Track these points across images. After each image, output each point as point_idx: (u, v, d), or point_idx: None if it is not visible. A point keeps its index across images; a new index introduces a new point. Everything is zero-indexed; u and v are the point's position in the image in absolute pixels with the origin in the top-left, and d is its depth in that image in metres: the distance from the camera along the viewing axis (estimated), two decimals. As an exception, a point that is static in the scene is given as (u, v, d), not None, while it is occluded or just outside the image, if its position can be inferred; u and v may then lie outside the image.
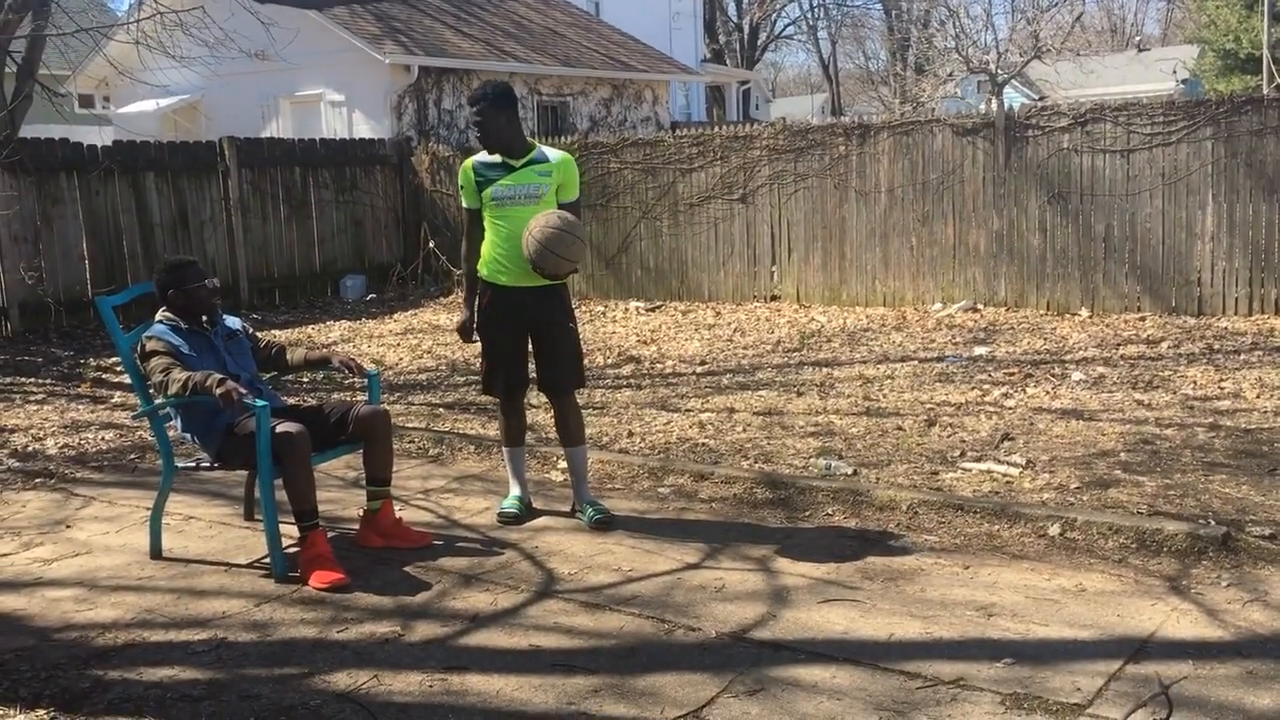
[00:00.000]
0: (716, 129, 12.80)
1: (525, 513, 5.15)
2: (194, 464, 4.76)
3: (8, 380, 9.23)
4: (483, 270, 5.03)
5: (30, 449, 6.84)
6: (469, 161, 5.00)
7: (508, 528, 5.07)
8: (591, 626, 3.94)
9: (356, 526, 4.93)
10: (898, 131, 11.17)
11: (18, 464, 6.47)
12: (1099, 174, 10.09)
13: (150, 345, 4.59)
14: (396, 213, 15.08)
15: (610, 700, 3.37)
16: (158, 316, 4.74)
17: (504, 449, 5.29)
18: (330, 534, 4.93)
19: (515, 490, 5.22)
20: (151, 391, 4.63)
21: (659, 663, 3.62)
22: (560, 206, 4.96)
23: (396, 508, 5.30)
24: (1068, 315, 10.23)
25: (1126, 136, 9.91)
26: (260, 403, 4.41)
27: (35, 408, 8.10)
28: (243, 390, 4.38)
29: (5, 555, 4.86)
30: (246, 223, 13.48)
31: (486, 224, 4.97)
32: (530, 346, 5.10)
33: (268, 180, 13.81)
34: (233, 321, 4.94)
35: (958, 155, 10.82)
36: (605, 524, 5.02)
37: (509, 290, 4.96)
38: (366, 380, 5.08)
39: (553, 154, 5.00)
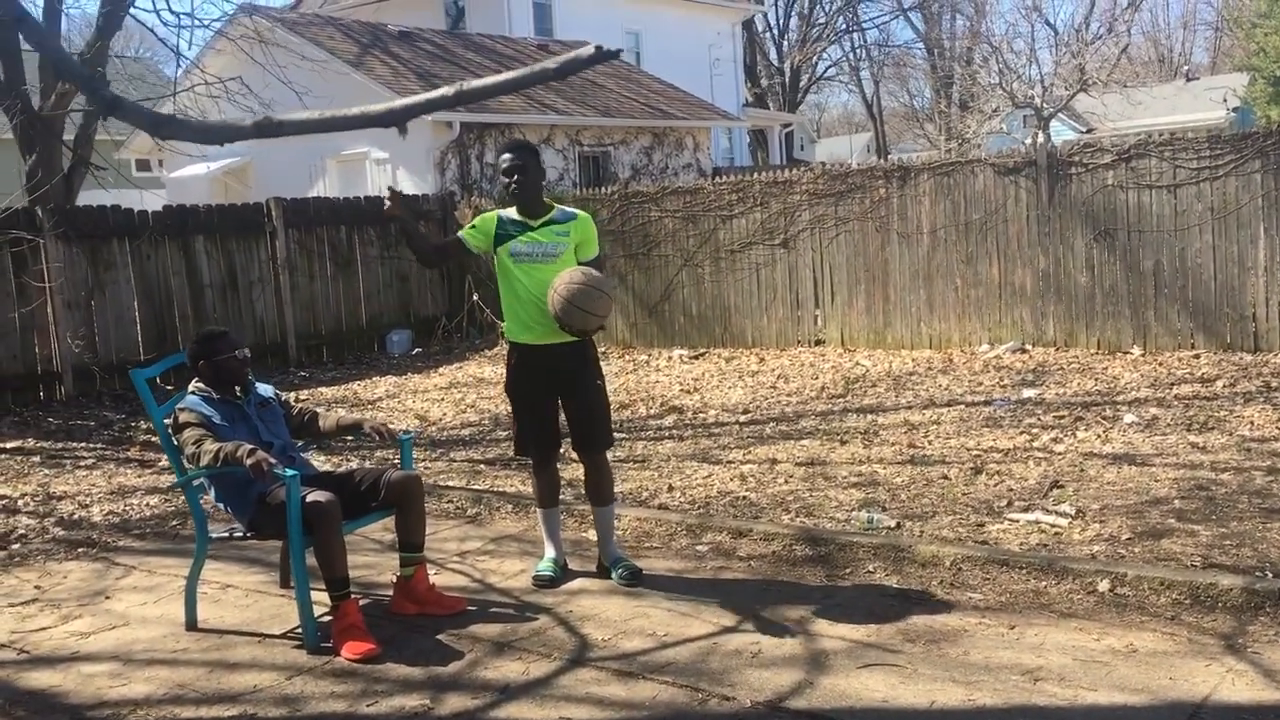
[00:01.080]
0: (756, 175, 12.77)
1: (561, 575, 5.10)
2: (227, 534, 4.76)
3: (60, 445, 9.37)
4: (508, 330, 5.04)
5: (76, 516, 6.91)
6: (496, 211, 5.05)
7: (542, 591, 5.01)
8: (624, 696, 3.85)
9: (390, 593, 4.89)
10: (938, 172, 11.07)
11: (63, 532, 6.53)
12: (1146, 210, 9.90)
13: (183, 417, 4.62)
14: (441, 267, 15.19)
15: (640, 777, 3.28)
16: (190, 387, 4.78)
17: (538, 510, 5.25)
18: (365, 600, 4.92)
19: (550, 552, 5.17)
20: (185, 462, 4.65)
21: (691, 735, 3.52)
22: (582, 264, 4.95)
23: (432, 571, 5.27)
24: (1119, 354, 10.01)
25: (1173, 171, 9.73)
26: (290, 472, 4.40)
27: (84, 473, 8.21)
28: (272, 461, 4.38)
29: (44, 629, 4.89)
30: (294, 281, 13.66)
31: (505, 281, 4.99)
32: (560, 404, 5.07)
33: (314, 239, 14.00)
34: (265, 389, 4.97)
35: (1000, 194, 10.69)
36: (635, 578, 4.98)
37: (535, 349, 4.95)
38: (399, 445, 5.07)
39: (570, 212, 5.05)
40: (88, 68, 9.63)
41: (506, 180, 4.93)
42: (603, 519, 5.16)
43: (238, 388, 4.79)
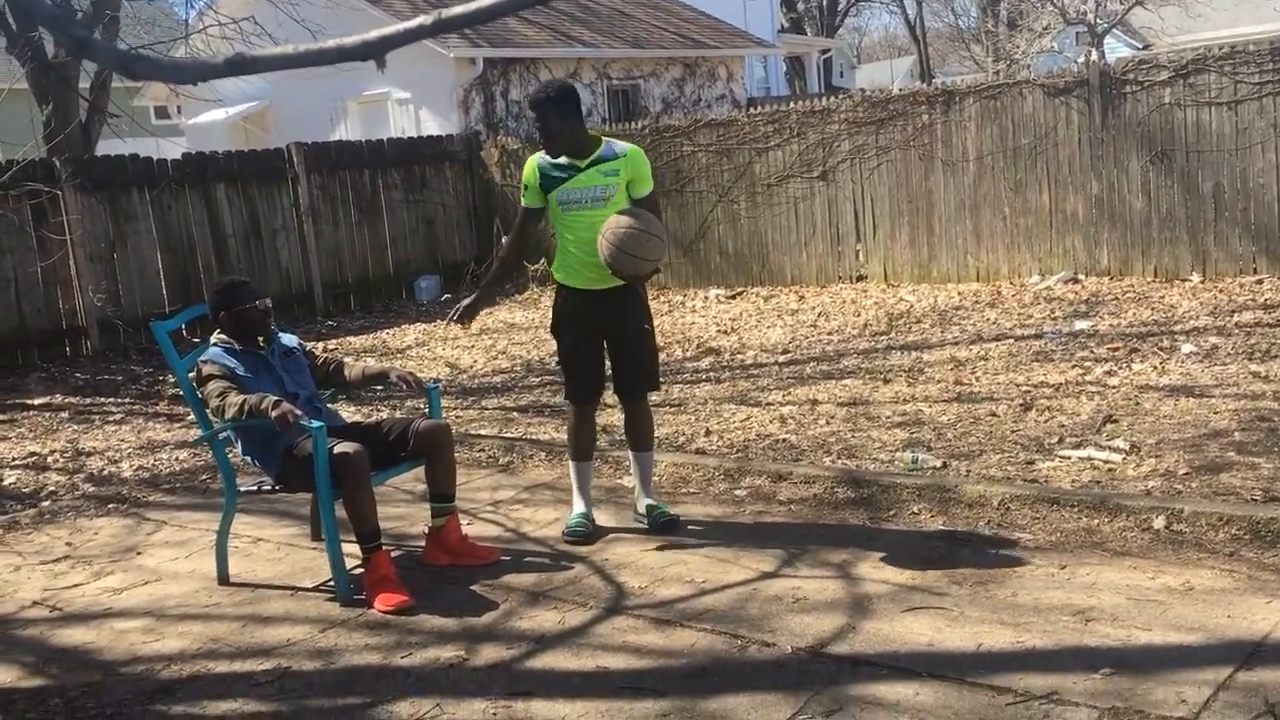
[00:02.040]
0: (792, 105, 12.60)
1: (593, 531, 5.09)
2: (255, 487, 4.82)
3: (88, 401, 9.52)
4: (556, 273, 5.02)
5: (105, 472, 7.03)
6: (535, 160, 4.91)
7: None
8: (662, 645, 3.88)
9: (423, 544, 4.94)
10: (985, 96, 10.86)
11: (93, 489, 6.66)
12: (1205, 129, 9.67)
13: (206, 369, 4.66)
14: (468, 209, 15.20)
15: (679, 725, 3.31)
16: (212, 339, 4.81)
17: (571, 463, 5.22)
18: (397, 552, 4.98)
19: (581, 507, 5.15)
20: (210, 416, 4.70)
21: (731, 683, 3.55)
22: (634, 203, 4.89)
23: (465, 521, 5.32)
24: (1177, 282, 9.84)
25: (1234, 87, 9.48)
26: (316, 424, 4.44)
27: (113, 428, 8.34)
28: (298, 412, 4.41)
29: (77, 585, 4.99)
30: (318, 229, 13.70)
31: (556, 226, 4.93)
32: (606, 350, 5.05)
33: (337, 184, 14.02)
34: (288, 339, 4.99)
35: (1050, 117, 10.48)
36: (671, 524, 5.00)
37: (584, 293, 4.92)
38: (427, 394, 5.08)
39: (620, 147, 4.91)
40: (59, 6, 9.60)
41: (546, 137, 4.80)
42: (643, 465, 5.17)
43: (260, 339, 4.82)
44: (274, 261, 13.34)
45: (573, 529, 5.07)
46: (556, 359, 5.24)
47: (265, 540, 5.43)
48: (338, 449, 4.44)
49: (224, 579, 4.84)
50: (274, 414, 4.35)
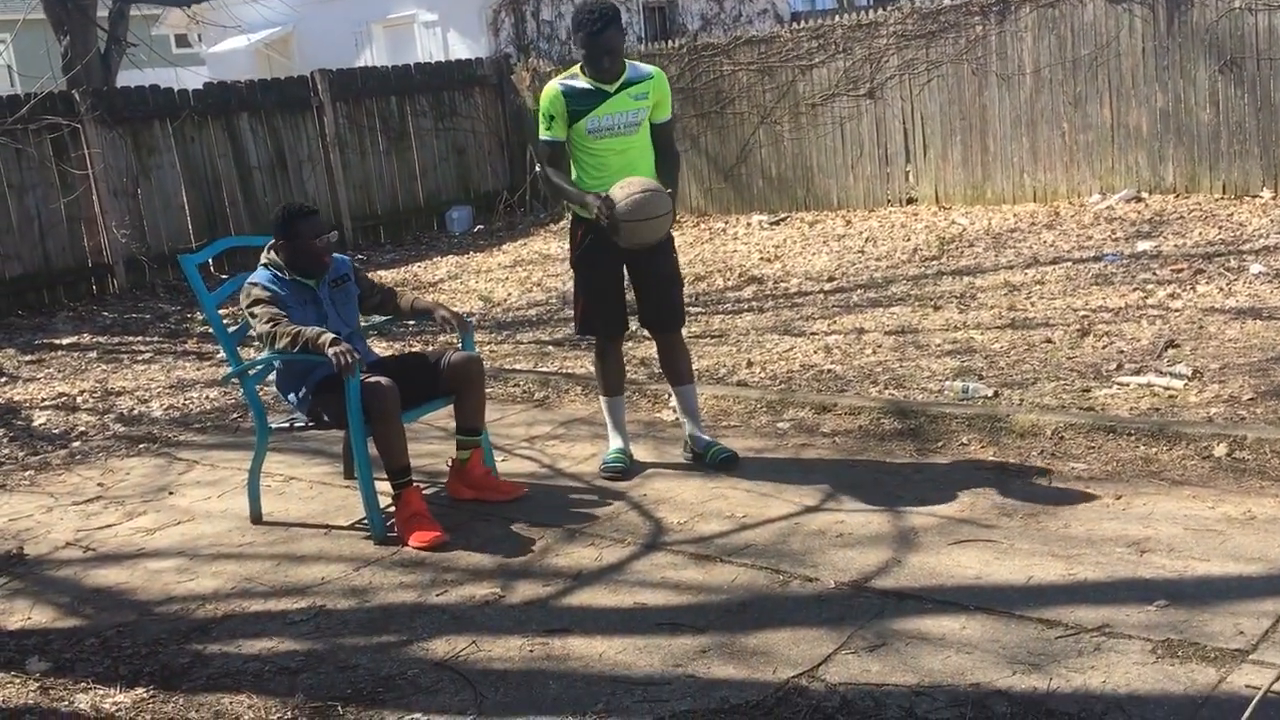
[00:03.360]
0: (837, 18, 12.38)
1: (630, 465, 5.13)
2: (288, 424, 4.90)
3: (116, 340, 9.68)
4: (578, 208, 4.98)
5: (136, 412, 7.17)
6: (556, 87, 4.77)
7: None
8: (701, 580, 3.93)
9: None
10: (1042, 4, 10.60)
11: (123, 429, 6.80)
12: (1278, 34, 9.40)
13: (255, 293, 4.63)
14: (499, 136, 15.15)
15: (719, 661, 3.37)
16: (263, 259, 4.76)
17: (602, 399, 5.25)
18: (429, 489, 5.05)
19: (617, 442, 5.20)
20: (255, 343, 4.69)
21: (772, 618, 3.60)
22: (654, 129, 4.88)
23: (500, 457, 5.40)
24: (1246, 198, 9.65)
25: (1310, -13, 9.20)
26: (360, 377, 4.47)
27: (142, 367, 8.49)
28: (357, 354, 4.43)
29: (110, 526, 5.13)
30: (345, 159, 13.73)
31: (581, 157, 4.85)
32: (631, 282, 5.06)
33: (363, 112, 14.00)
34: (342, 263, 4.90)
35: (1112, 25, 10.23)
36: (730, 461, 5.02)
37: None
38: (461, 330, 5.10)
39: (644, 69, 4.87)
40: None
41: (596, 63, 4.66)
42: (686, 399, 5.18)
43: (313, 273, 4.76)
44: (300, 194, 13.38)
45: (610, 464, 5.11)
46: (574, 293, 5.21)
47: (298, 479, 5.53)
48: (367, 381, 4.49)
49: (257, 518, 4.94)
50: (331, 352, 4.37)
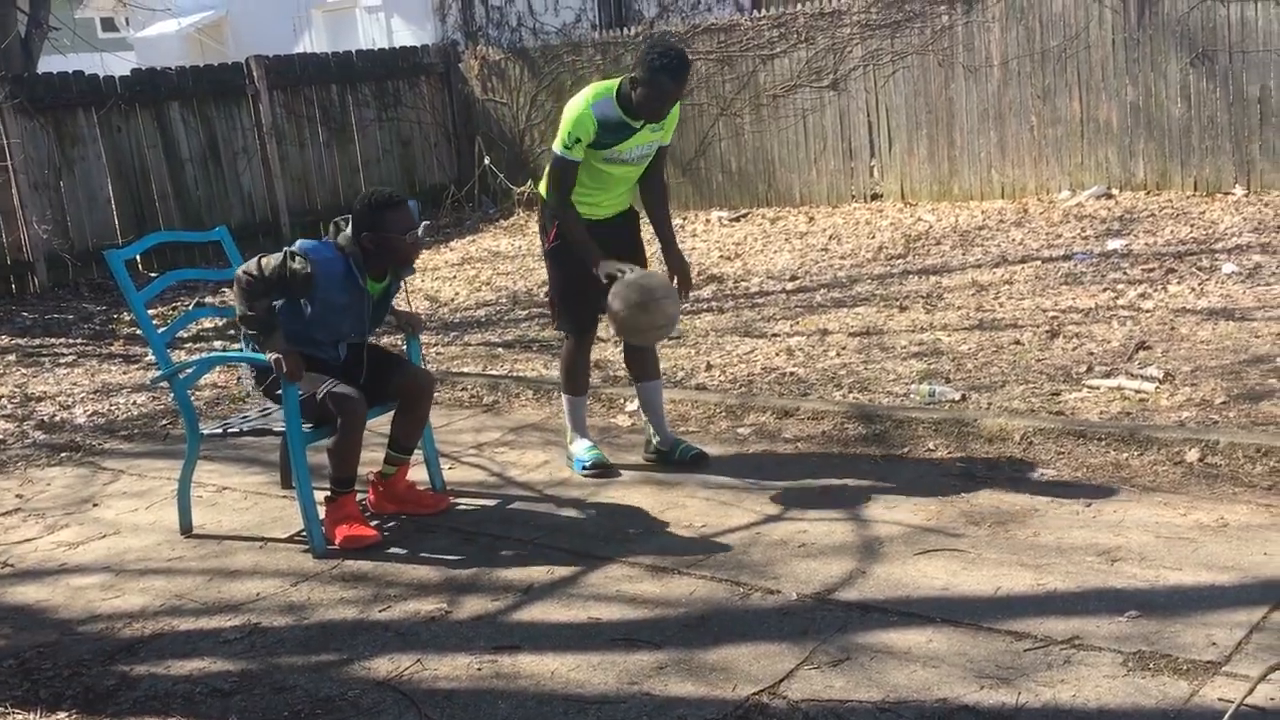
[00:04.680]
0: (800, 6, 12.45)
1: (611, 462, 5.17)
2: (220, 430, 4.85)
3: (37, 342, 9.53)
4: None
5: (57, 418, 7.06)
6: (590, 112, 4.72)
7: (567, 485, 5.09)
8: (658, 593, 3.93)
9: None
10: (1009, -7, 10.71)
11: (44, 436, 6.70)
12: (1250, 26, 9.56)
13: (299, 267, 4.37)
14: (446, 128, 15.07)
15: (676, 678, 3.37)
16: (338, 239, 4.52)
17: (566, 398, 5.26)
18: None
19: (586, 442, 5.23)
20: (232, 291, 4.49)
21: (732, 632, 3.60)
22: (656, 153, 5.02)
23: (446, 466, 5.39)
24: (1219, 195, 9.79)
25: (1283, -22, 9.36)
26: (293, 388, 4.42)
27: (65, 371, 8.36)
28: (298, 375, 4.37)
29: (29, 540, 5.04)
30: (283, 151, 13.60)
31: (588, 172, 4.86)
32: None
33: (302, 102, 13.88)
34: (407, 272, 4.76)
35: (1081, 16, 10.35)
36: (700, 459, 5.10)
37: (592, 222, 4.95)
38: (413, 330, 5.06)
39: None
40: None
41: (656, 108, 4.71)
42: (654, 396, 5.24)
43: (388, 272, 4.64)
44: (235, 187, 13.26)
45: (594, 461, 5.13)
46: (547, 289, 5.26)
47: (231, 489, 5.47)
48: (339, 389, 4.46)
49: (187, 530, 4.89)
50: (271, 357, 4.33)
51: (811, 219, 11.60)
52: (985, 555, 3.94)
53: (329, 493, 4.61)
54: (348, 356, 4.76)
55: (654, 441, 5.23)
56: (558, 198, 4.86)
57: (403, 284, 4.81)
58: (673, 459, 5.13)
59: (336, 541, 4.50)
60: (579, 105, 4.76)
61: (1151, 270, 7.75)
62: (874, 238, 10.22)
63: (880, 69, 11.54)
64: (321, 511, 4.63)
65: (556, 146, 4.80)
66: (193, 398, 5.03)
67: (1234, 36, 9.65)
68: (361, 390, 4.59)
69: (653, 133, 4.88)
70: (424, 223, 4.62)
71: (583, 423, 5.29)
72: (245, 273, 4.40)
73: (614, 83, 4.82)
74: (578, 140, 4.74)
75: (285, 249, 4.47)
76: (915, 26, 11.26)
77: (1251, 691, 2.76)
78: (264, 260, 4.42)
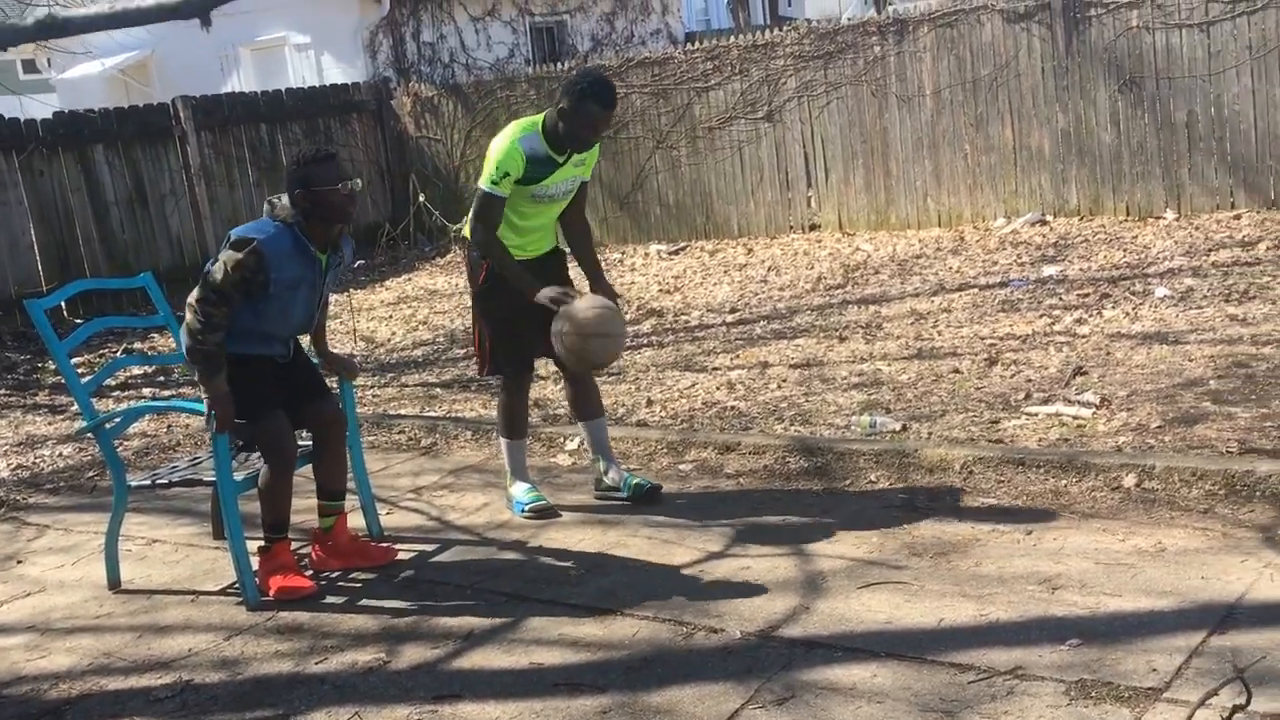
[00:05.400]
0: (733, 39, 12.60)
1: (552, 504, 5.16)
2: (149, 481, 4.78)
3: (-42, 395, 9.34)
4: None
5: (-20, 474, 6.93)
6: (520, 148, 4.75)
7: (507, 527, 5.07)
8: (600, 636, 3.93)
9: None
10: (940, 23, 10.93)
11: (-34, 493, 6.56)
12: (1176, 53, 9.82)
13: (247, 258, 4.28)
14: (380, 166, 15.05)
15: (620, 722, 3.36)
16: (283, 216, 4.46)
17: (505, 441, 5.20)
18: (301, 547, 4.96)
19: (526, 484, 5.21)
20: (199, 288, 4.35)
21: (676, 674, 3.60)
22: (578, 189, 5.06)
23: (384, 511, 5.35)
24: (1150, 220, 10.01)
25: (1204, 7, 9.61)
26: (221, 437, 4.39)
27: (-12, 424, 8.20)
28: (232, 423, 4.34)
29: (-50, 601, 4.93)
30: (211, 192, 13.49)
31: (510, 212, 4.86)
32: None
33: (231, 141, 13.80)
34: (348, 248, 4.72)
35: (1011, 45, 10.58)
36: (655, 493, 5.12)
37: (522, 261, 4.95)
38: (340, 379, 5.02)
39: None
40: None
41: (585, 136, 4.77)
42: (600, 433, 5.25)
43: (333, 235, 4.53)
44: (163, 230, 13.13)
45: (535, 504, 5.10)
46: (474, 336, 5.22)
47: (161, 541, 5.39)
48: (271, 425, 4.43)
49: (116, 585, 4.80)
50: (208, 395, 4.29)
51: (750, 250, 11.69)
52: (928, 587, 3.98)
53: (262, 541, 4.56)
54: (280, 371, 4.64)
55: (605, 479, 5.23)
56: (484, 232, 4.84)
57: (343, 259, 4.71)
58: (626, 495, 5.13)
59: (271, 593, 4.45)
60: (506, 141, 4.79)
61: (1086, 295, 7.89)
62: (813, 268, 10.32)
63: (814, 100, 11.70)
64: (255, 562, 4.57)
65: (483, 183, 4.80)
66: (121, 448, 4.97)
67: (1160, 63, 9.90)
68: (287, 403, 4.54)
69: (575, 167, 4.93)
70: (356, 179, 4.59)
71: (522, 466, 5.27)
72: (201, 303, 4.28)
73: (538, 118, 4.86)
74: (506, 175, 4.75)
75: (224, 250, 4.36)
76: (848, 57, 11.44)
77: (1191, 717, 2.81)
78: (213, 279, 4.28)
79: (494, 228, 4.85)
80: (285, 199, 4.48)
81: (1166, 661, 3.28)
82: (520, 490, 5.19)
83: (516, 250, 4.95)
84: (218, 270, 4.31)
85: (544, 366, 5.35)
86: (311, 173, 4.41)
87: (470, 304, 5.30)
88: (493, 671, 3.77)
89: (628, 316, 9.36)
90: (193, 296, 4.33)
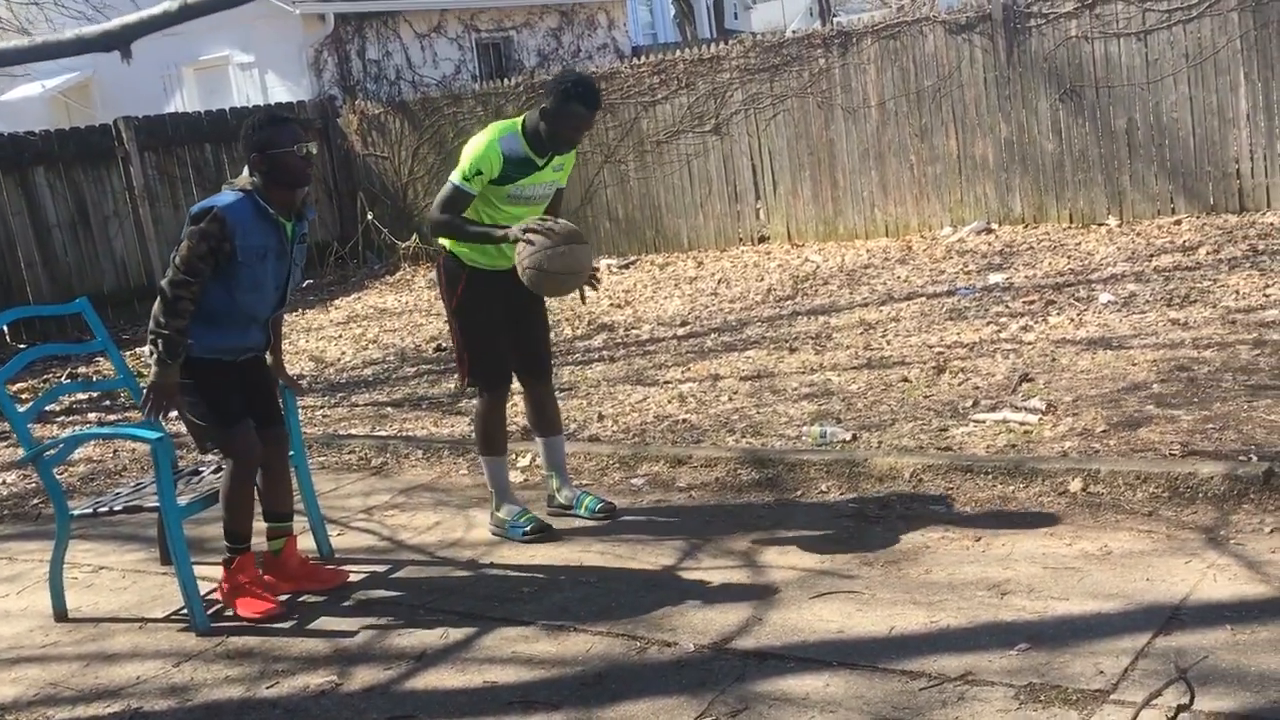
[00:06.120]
0: (679, 52, 12.66)
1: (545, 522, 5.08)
2: (91, 509, 4.72)
3: (-103, 424, 9.18)
4: (468, 256, 4.90)
5: (-79, 504, 6.82)
6: (497, 144, 4.72)
7: (459, 546, 5.06)
8: (554, 653, 3.92)
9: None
10: (883, 35, 11.05)
11: (-94, 524, 6.45)
12: (1115, 62, 9.98)
13: (209, 226, 4.25)
14: (327, 184, 14.98)
15: (574, 738, 3.36)
16: (241, 183, 4.44)
17: (486, 460, 5.10)
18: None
19: (516, 507, 5.09)
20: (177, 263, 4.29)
21: (630, 689, 3.60)
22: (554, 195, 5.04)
23: (334, 532, 5.31)
24: (1093, 226, 10.16)
25: (1141, 16, 9.79)
26: (155, 434, 4.35)
27: (-72, 453, 8.06)
28: (171, 411, 4.29)
29: (-109, 634, 4.84)
30: (156, 213, 13.38)
31: (486, 211, 4.82)
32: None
33: (175, 162, 13.71)
34: (311, 210, 4.67)
35: (953, 56, 10.71)
36: (610, 511, 5.10)
37: (496, 273, 4.88)
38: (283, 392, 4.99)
39: None
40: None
41: (568, 137, 4.75)
42: (558, 451, 5.24)
43: (295, 199, 4.48)
44: (107, 253, 13.01)
45: (533, 526, 4.99)
46: (448, 347, 5.20)
47: (108, 568, 5.33)
48: (237, 435, 4.40)
49: (61, 615, 4.74)
50: (154, 379, 4.23)
51: (700, 263, 11.74)
52: (879, 595, 4.01)
53: (225, 554, 4.52)
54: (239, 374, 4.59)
55: (559, 496, 5.22)
56: (447, 218, 4.75)
57: (307, 229, 4.68)
58: (578, 514, 5.13)
59: (238, 611, 4.42)
60: (485, 139, 4.76)
61: (1032, 303, 7.99)
62: (762, 280, 10.38)
63: (761, 112, 11.78)
64: (204, 587, 4.52)
65: (455, 177, 4.75)
66: (66, 473, 4.91)
67: (1099, 72, 10.06)
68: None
69: (555, 172, 4.91)
70: (312, 144, 4.54)
71: (507, 486, 5.14)
72: (170, 285, 4.24)
73: (517, 120, 4.85)
74: (479, 173, 4.71)
75: (186, 227, 4.32)
76: (793, 70, 11.53)
77: (1136, 717, 2.85)
78: (179, 256, 4.23)
79: (458, 213, 4.77)
80: (245, 168, 4.46)
81: (1113, 663, 3.32)
82: (512, 513, 5.07)
83: (492, 259, 4.86)
84: (183, 247, 4.28)
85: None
86: (268, 136, 4.39)
87: (446, 318, 5.23)
88: (446, 691, 3.76)
89: (579, 332, 9.37)
90: (164, 279, 4.30)
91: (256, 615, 4.39)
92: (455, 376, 5.33)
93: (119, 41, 3.01)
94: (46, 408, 8.48)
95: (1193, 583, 3.76)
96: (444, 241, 4.99)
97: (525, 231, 4.58)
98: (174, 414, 4.42)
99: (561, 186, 5.07)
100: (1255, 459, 4.56)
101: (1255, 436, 4.85)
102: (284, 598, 4.63)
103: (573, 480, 5.43)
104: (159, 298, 4.28)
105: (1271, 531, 4.07)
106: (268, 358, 4.77)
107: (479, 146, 4.75)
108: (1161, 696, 2.91)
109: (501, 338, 4.96)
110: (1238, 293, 7.37)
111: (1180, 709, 2.88)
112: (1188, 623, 3.51)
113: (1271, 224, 9.16)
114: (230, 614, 4.50)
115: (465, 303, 4.95)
